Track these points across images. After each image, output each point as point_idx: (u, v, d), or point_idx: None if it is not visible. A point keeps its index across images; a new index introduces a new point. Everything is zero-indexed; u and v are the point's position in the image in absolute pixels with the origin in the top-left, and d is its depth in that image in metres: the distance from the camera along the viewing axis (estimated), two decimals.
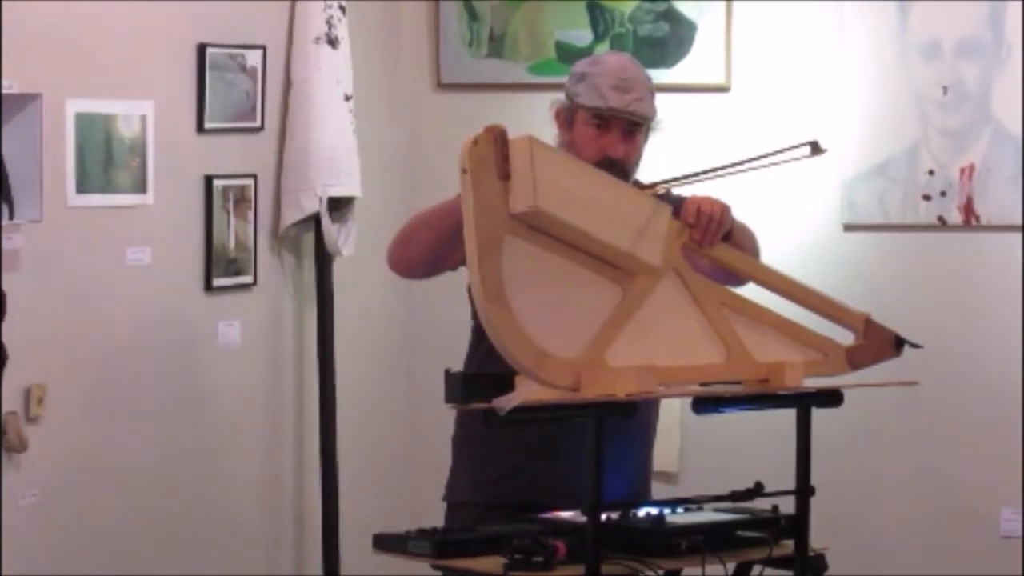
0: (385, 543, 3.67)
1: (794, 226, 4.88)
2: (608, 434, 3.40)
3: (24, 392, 3.77)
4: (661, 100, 4.51)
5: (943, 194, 4.72)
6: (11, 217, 3.80)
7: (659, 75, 4.86)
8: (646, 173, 3.96)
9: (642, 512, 3.54)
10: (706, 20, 4.96)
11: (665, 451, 4.71)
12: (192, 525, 4.23)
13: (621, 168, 3.69)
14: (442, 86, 4.99)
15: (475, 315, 3.65)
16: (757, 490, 3.46)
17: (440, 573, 3.69)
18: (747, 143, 4.91)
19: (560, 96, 3.86)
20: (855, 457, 4.84)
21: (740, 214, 4.51)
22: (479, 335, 3.76)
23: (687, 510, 3.60)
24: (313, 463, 4.76)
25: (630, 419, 3.53)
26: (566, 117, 3.75)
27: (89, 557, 3.95)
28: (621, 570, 3.37)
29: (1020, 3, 4.77)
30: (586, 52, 4.97)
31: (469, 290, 3.36)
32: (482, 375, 3.46)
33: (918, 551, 4.89)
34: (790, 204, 4.93)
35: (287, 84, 4.62)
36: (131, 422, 4.14)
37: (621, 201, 3.33)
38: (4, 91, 3.84)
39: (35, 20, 3.88)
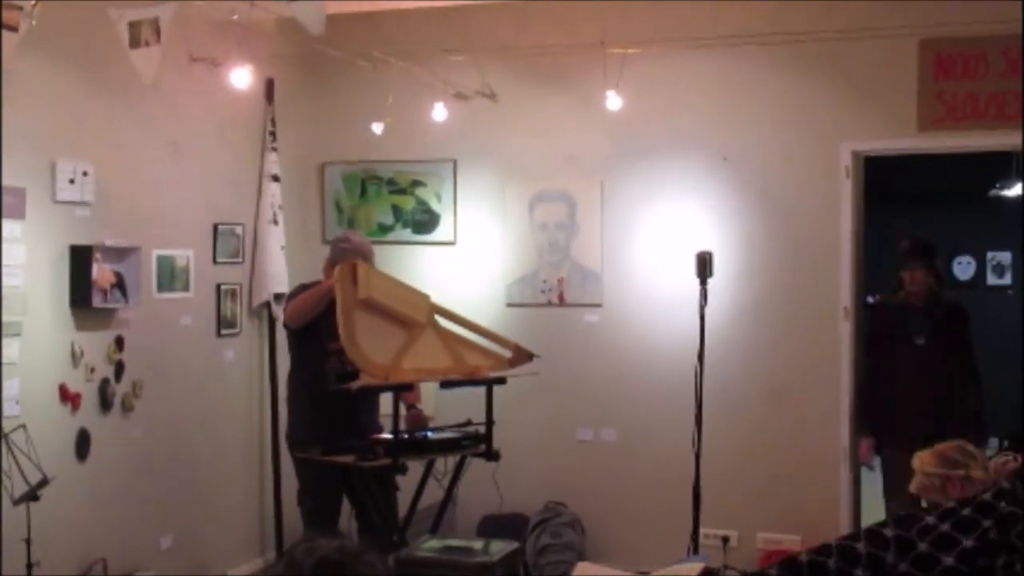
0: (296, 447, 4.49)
1: (486, 305, 6.43)
2: (362, 402, 4.52)
3: None
4: (426, 249, 6.29)
5: (550, 290, 6.34)
6: None
7: (424, 237, 6.48)
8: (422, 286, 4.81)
9: (420, 435, 4.59)
10: (445, 210, 6.54)
11: (429, 406, 5.71)
12: None
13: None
14: (325, 241, 6.29)
15: (289, 346, 4.79)
16: (468, 423, 4.81)
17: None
18: (464, 271, 6.49)
19: (327, 253, 4.92)
20: (514, 408, 5.85)
21: (466, 301, 5.74)
22: (298, 351, 4.80)
23: (437, 432, 4.71)
24: None
25: (369, 398, 4.52)
26: (331, 264, 4.70)
27: None
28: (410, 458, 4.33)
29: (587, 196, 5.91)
30: (389, 228, 6.56)
31: (286, 328, 4.59)
32: (346, 373, 4.30)
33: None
34: (486, 295, 6.51)
35: (254, 240, 6.15)
36: None
37: (406, 293, 4.43)
38: None
39: None
